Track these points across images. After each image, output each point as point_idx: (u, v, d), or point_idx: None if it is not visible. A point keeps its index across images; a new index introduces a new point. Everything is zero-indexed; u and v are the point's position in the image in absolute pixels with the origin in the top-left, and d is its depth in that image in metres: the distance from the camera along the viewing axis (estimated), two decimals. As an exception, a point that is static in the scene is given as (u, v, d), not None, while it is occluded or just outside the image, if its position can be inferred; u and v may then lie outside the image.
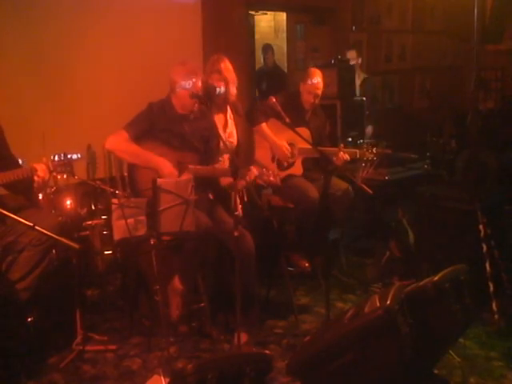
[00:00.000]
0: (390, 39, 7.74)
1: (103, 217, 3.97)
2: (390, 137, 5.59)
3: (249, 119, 4.19)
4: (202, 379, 2.07)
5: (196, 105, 3.42)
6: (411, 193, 4.52)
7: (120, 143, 3.36)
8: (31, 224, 2.64)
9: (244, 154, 4.01)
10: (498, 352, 3.36)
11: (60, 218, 3.56)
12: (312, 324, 3.75)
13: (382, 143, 5.12)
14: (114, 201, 2.96)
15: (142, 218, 2.97)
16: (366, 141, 5.45)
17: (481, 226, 3.73)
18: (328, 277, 3.60)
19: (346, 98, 5.61)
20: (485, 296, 3.59)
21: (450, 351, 2.91)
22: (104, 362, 3.29)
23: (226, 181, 3.58)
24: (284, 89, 6.77)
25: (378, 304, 2.32)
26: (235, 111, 3.91)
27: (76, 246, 2.72)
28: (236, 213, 2.92)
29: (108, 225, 3.79)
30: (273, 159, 4.26)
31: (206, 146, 3.55)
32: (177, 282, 3.37)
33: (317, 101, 4.34)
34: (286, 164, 4.25)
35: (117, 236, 2.97)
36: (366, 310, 2.36)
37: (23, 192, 3.21)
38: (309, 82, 4.27)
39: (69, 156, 3.13)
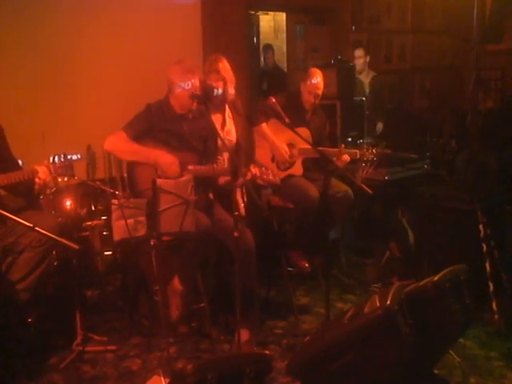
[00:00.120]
0: (389, 39, 7.73)
1: (103, 217, 3.97)
2: (391, 136, 5.59)
3: (249, 119, 4.19)
4: (202, 379, 2.07)
5: (194, 104, 3.42)
6: (411, 193, 4.51)
7: (118, 143, 3.36)
8: (31, 225, 2.64)
9: (244, 153, 4.00)
10: (498, 352, 3.36)
11: (60, 219, 3.56)
12: (312, 324, 3.75)
13: (381, 143, 5.12)
14: (114, 201, 2.96)
15: (142, 218, 2.96)
16: (365, 141, 5.45)
17: (481, 226, 3.73)
18: (328, 277, 3.60)
19: (346, 98, 5.61)
20: (485, 296, 3.59)
21: (450, 351, 2.91)
22: (104, 362, 3.29)
23: (223, 179, 3.58)
24: (284, 89, 6.77)
25: (377, 304, 2.32)
26: (234, 110, 3.91)
27: (76, 246, 2.72)
28: (236, 213, 2.92)
29: (108, 225, 3.79)
30: (273, 159, 4.26)
31: (204, 145, 3.55)
32: (176, 283, 3.37)
33: (317, 101, 4.34)
34: (284, 166, 4.25)
35: (117, 236, 2.97)
36: (366, 310, 2.36)
37: (24, 194, 3.21)
38: (309, 81, 4.27)
39: (69, 156, 3.13)
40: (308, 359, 2.51)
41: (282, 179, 4.09)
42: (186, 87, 3.37)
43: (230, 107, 3.90)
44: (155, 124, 3.41)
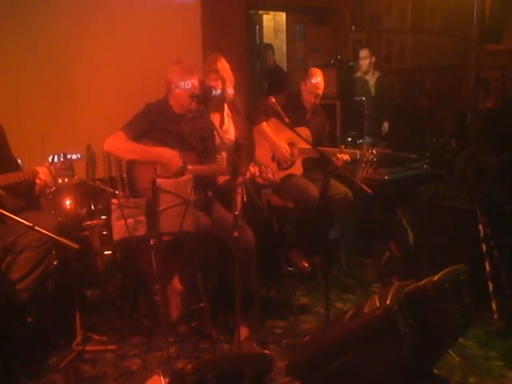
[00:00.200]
0: (389, 39, 7.74)
1: (103, 217, 3.97)
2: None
3: (249, 118, 4.19)
4: (202, 379, 2.07)
5: (193, 104, 3.42)
6: (411, 193, 4.52)
7: (118, 144, 3.36)
8: (31, 224, 2.64)
9: (245, 152, 3.99)
10: (498, 352, 3.36)
11: (59, 219, 3.56)
12: (312, 324, 3.75)
13: (381, 143, 5.12)
14: (114, 201, 2.96)
15: (142, 218, 2.97)
16: (365, 141, 5.45)
17: (480, 226, 3.73)
18: (328, 277, 3.60)
19: (346, 98, 5.62)
20: (484, 296, 3.59)
21: (450, 351, 2.91)
22: (104, 362, 3.29)
23: (222, 179, 3.58)
24: (284, 88, 6.78)
25: (377, 304, 2.33)
26: (234, 109, 3.91)
27: (76, 246, 2.72)
28: (236, 212, 2.92)
29: (108, 225, 3.78)
30: (273, 159, 4.26)
31: (204, 145, 3.55)
32: (176, 282, 3.37)
33: (317, 100, 4.35)
34: (285, 164, 4.25)
35: (116, 236, 2.97)
36: (366, 309, 2.36)
37: (24, 195, 3.20)
38: (310, 81, 4.28)
39: (68, 156, 3.13)
40: (308, 359, 2.51)
41: (282, 179, 4.11)
42: (185, 87, 3.37)
43: (229, 107, 3.90)
44: (154, 124, 3.41)
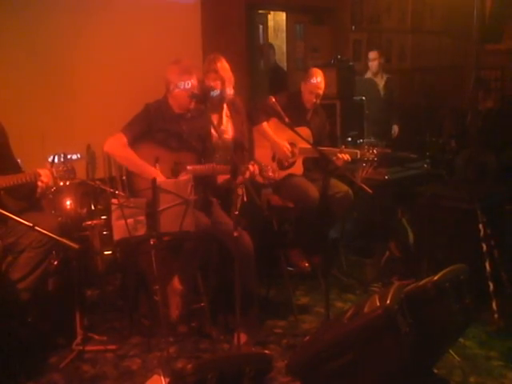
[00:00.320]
0: (389, 39, 7.74)
1: (103, 217, 3.96)
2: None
3: (250, 118, 4.19)
4: (202, 379, 2.07)
5: (193, 104, 3.42)
6: (411, 193, 4.52)
7: (118, 148, 3.35)
8: (31, 224, 2.64)
9: (246, 152, 3.99)
10: (498, 352, 3.36)
11: (60, 219, 3.56)
12: (312, 324, 3.75)
13: (381, 143, 5.12)
14: (114, 201, 2.96)
15: (142, 218, 2.97)
16: (365, 141, 5.45)
17: (481, 226, 3.73)
18: (328, 276, 3.60)
19: (346, 98, 5.62)
20: (485, 296, 3.59)
21: (450, 351, 2.91)
22: (104, 362, 3.29)
23: (221, 178, 3.58)
24: (285, 88, 6.78)
25: (377, 304, 2.33)
26: (234, 109, 3.91)
27: (76, 246, 2.72)
28: (236, 212, 2.92)
29: (108, 225, 3.78)
30: (273, 158, 4.26)
31: (203, 144, 3.55)
32: (176, 282, 3.37)
33: (318, 100, 4.35)
34: (286, 163, 4.25)
35: (116, 236, 2.97)
36: (366, 309, 2.36)
37: (25, 197, 3.20)
38: (310, 81, 4.28)
39: (68, 156, 3.12)
40: (308, 359, 2.51)
41: (282, 178, 4.11)
42: (184, 87, 3.37)
43: (228, 107, 3.90)
44: (154, 124, 3.41)
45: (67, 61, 4.53)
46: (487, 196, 4.05)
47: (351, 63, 5.95)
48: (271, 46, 7.69)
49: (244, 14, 5.95)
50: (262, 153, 4.26)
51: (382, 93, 6.24)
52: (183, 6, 5.31)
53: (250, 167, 3.35)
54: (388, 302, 2.29)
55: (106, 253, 4.04)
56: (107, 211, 3.72)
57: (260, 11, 7.38)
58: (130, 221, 2.93)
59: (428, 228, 4.14)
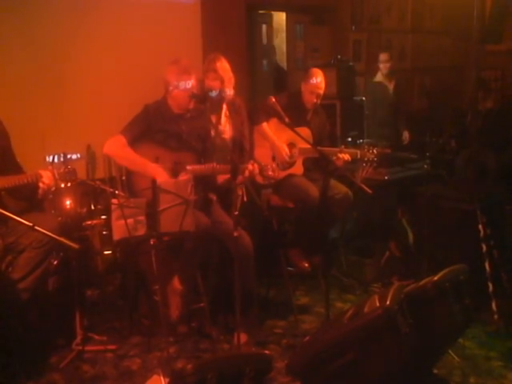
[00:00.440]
0: (389, 39, 7.74)
1: (103, 217, 3.97)
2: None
3: (250, 118, 4.19)
4: (202, 379, 2.07)
5: (192, 104, 3.42)
6: (411, 193, 4.52)
7: (118, 149, 3.35)
8: (31, 224, 2.64)
9: (246, 152, 3.99)
10: (498, 352, 3.36)
11: (60, 218, 3.56)
12: (312, 324, 3.75)
13: (381, 143, 5.12)
14: (114, 201, 2.96)
15: (142, 218, 2.97)
16: (365, 141, 5.45)
17: (480, 226, 3.73)
18: (327, 276, 3.61)
19: (346, 98, 5.62)
20: (484, 296, 3.59)
21: (450, 351, 2.91)
22: (104, 362, 3.29)
23: (221, 178, 3.58)
24: (286, 88, 6.78)
25: (377, 304, 2.33)
26: (233, 109, 3.90)
27: (76, 246, 2.72)
28: (236, 212, 2.92)
29: (108, 225, 3.78)
30: (273, 158, 4.26)
31: (203, 144, 3.54)
32: (176, 282, 3.37)
33: (318, 100, 4.35)
34: (284, 165, 4.25)
35: (116, 236, 2.97)
36: (366, 309, 2.36)
37: (27, 198, 3.19)
38: (310, 81, 4.28)
39: (68, 156, 3.13)
40: (308, 359, 2.51)
41: (282, 178, 4.11)
42: (183, 87, 3.36)
43: (228, 107, 3.89)
44: (153, 125, 3.41)
45: (67, 61, 4.52)
46: (487, 196, 4.05)
47: (351, 63, 5.95)
48: (271, 46, 7.69)
49: (244, 14, 5.95)
50: (262, 153, 4.26)
51: (391, 96, 6.21)
52: (183, 6, 5.31)
53: (250, 166, 3.35)
54: (388, 302, 2.29)
55: (105, 253, 4.04)
56: (107, 211, 3.73)
57: (262, 11, 7.38)
58: (129, 221, 2.93)
59: (428, 228, 4.14)
